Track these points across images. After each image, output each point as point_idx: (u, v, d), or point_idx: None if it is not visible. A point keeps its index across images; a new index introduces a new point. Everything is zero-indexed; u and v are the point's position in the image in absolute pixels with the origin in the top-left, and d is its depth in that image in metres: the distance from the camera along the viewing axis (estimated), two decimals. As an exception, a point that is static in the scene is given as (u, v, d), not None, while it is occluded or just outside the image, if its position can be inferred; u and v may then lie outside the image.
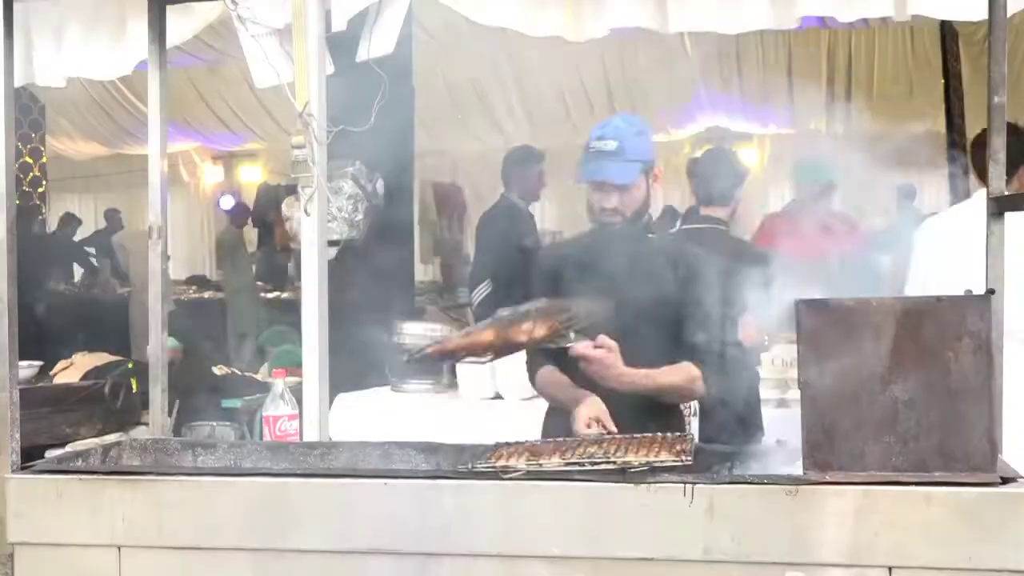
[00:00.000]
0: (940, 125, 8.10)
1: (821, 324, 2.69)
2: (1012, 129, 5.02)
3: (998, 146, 3.00)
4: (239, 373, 6.88)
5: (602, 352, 3.37)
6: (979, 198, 4.89)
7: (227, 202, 14.47)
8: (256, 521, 2.93)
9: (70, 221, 13.57)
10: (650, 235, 3.71)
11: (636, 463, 2.77)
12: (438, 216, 12.50)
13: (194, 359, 6.66)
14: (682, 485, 2.71)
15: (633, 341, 3.49)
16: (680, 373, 3.56)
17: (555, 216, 12.57)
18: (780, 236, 5.26)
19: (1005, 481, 2.62)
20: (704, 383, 3.59)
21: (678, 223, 6.32)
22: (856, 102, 10.09)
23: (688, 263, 3.65)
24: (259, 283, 12.47)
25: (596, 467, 2.81)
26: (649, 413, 3.51)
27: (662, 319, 3.57)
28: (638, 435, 3.15)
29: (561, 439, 3.21)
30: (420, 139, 10.32)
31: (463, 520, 2.82)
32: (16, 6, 3.42)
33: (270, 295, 12.23)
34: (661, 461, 2.78)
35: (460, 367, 6.25)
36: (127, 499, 3.00)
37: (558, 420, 3.59)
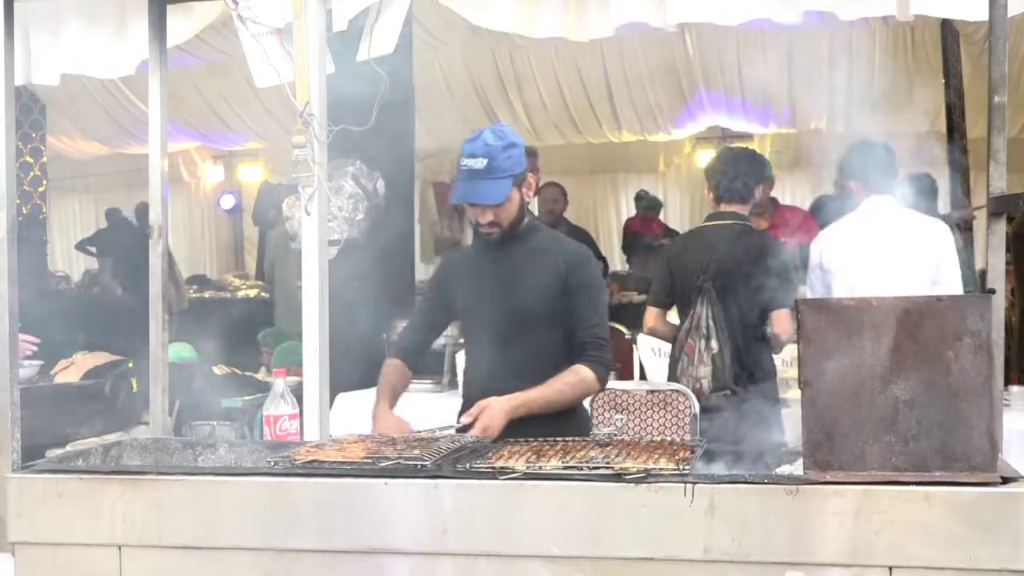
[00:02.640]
0: (940, 125, 8.10)
1: (822, 323, 2.69)
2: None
3: (998, 146, 3.00)
4: (239, 373, 6.88)
5: (483, 422, 3.46)
6: (870, 204, 5.01)
7: (227, 202, 14.46)
8: (258, 521, 2.93)
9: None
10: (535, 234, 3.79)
11: (634, 469, 2.78)
12: (438, 215, 12.51)
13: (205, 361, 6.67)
14: (682, 485, 2.71)
15: (519, 344, 3.64)
16: (569, 379, 3.62)
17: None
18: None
19: (1006, 481, 2.62)
20: (598, 380, 3.66)
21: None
22: (856, 101, 10.08)
23: (572, 262, 3.72)
24: (259, 282, 12.46)
25: (594, 472, 2.81)
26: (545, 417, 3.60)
27: (541, 320, 3.66)
28: (643, 440, 3.17)
29: (567, 439, 3.23)
30: (420, 138, 10.34)
31: (461, 520, 2.82)
32: (16, 5, 3.42)
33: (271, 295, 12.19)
34: (660, 469, 2.78)
35: (460, 369, 6.26)
36: (128, 499, 3.00)
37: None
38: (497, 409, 3.48)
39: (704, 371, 4.79)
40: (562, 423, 3.56)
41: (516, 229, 3.72)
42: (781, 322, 4.79)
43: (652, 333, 5.33)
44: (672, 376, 4.98)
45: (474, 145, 3.59)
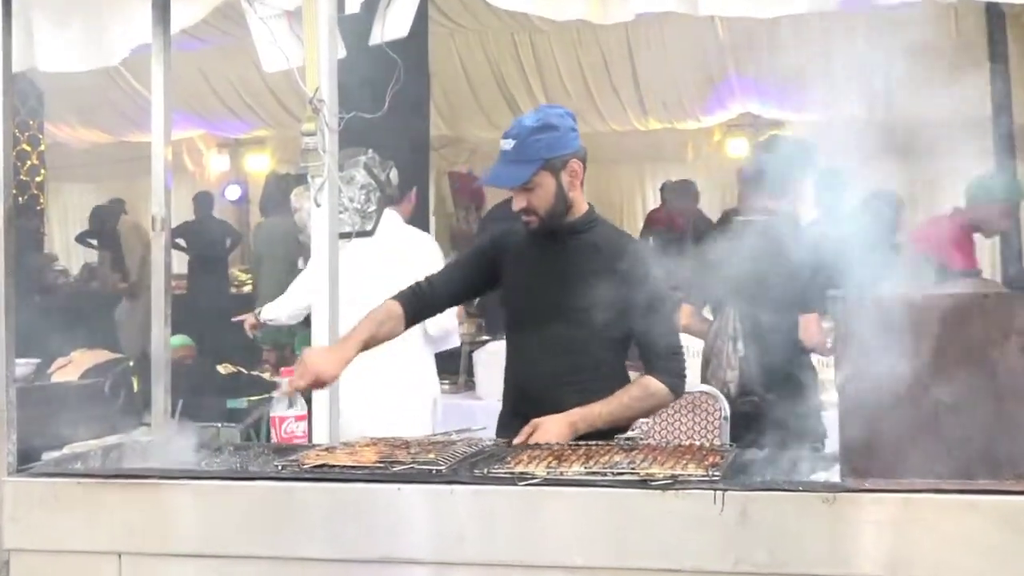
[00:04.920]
0: (986, 110, 8.06)
1: (859, 322, 2.68)
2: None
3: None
4: (245, 372, 6.90)
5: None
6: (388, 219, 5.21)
7: (233, 192, 14.48)
8: (264, 527, 2.93)
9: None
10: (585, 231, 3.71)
11: (660, 476, 2.77)
12: (454, 207, 12.51)
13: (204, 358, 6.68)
14: (712, 492, 2.70)
15: (571, 348, 3.60)
16: (636, 393, 3.59)
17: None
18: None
19: (1055, 489, 2.60)
20: (671, 392, 3.62)
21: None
22: (897, 87, 10.04)
23: (635, 262, 3.61)
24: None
25: (618, 478, 2.81)
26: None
27: (597, 323, 3.59)
28: (670, 444, 3.16)
29: (590, 443, 3.22)
30: (436, 126, 10.35)
31: (479, 527, 2.82)
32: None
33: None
34: (688, 475, 2.78)
35: (477, 366, 6.27)
36: (129, 504, 3.01)
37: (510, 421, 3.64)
38: (554, 427, 3.42)
39: (732, 375, 4.77)
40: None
41: (563, 220, 3.65)
42: (807, 328, 4.73)
43: (686, 331, 5.31)
44: (703, 378, 4.97)
45: (512, 126, 3.60)
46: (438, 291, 3.84)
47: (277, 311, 5.94)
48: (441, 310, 4.02)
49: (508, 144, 3.56)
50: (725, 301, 4.86)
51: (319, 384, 3.61)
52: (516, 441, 3.42)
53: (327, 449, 3.25)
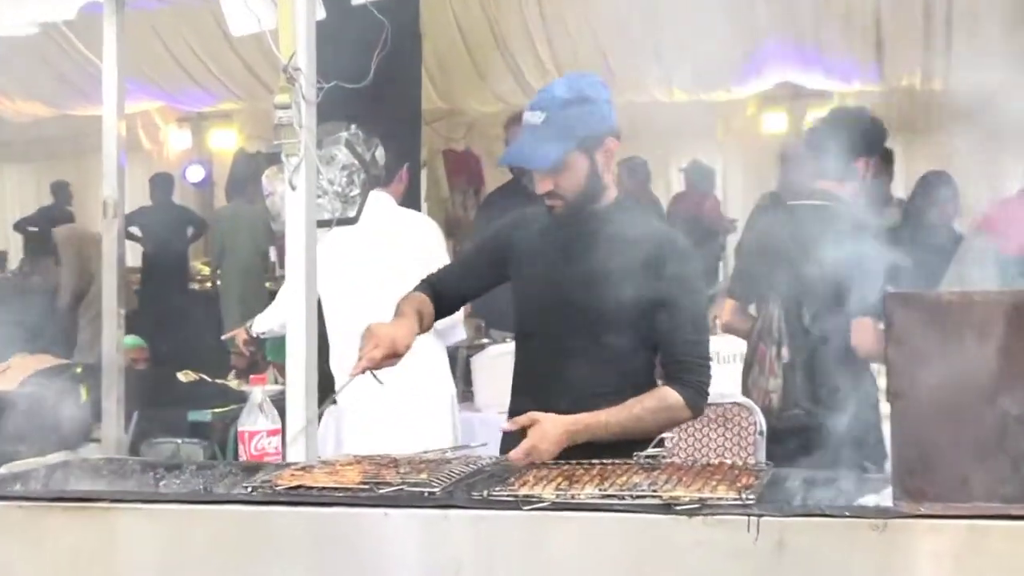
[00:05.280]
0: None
1: (916, 322, 2.68)
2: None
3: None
4: (208, 380, 6.91)
5: (531, 440, 3.35)
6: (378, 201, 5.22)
7: (196, 173, 14.49)
8: (231, 559, 2.94)
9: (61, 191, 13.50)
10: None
11: (686, 499, 2.77)
12: (450, 191, 12.52)
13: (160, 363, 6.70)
14: (745, 518, 2.70)
15: (589, 350, 3.59)
16: (650, 404, 3.56)
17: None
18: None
19: None
20: (689, 407, 3.58)
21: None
22: (957, 54, 10.02)
23: (667, 255, 3.61)
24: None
25: (638, 501, 2.81)
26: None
27: (619, 324, 3.59)
28: (698, 463, 3.16)
29: (605, 462, 3.22)
30: (428, 98, 10.33)
31: (478, 558, 2.82)
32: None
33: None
34: (718, 499, 2.78)
35: (476, 373, 6.28)
36: (75, 530, 3.02)
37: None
38: (552, 429, 3.38)
39: (774, 383, 4.76)
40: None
41: (591, 205, 3.64)
42: (857, 333, 4.71)
43: (728, 330, 5.32)
44: (744, 386, 4.96)
45: (542, 94, 3.58)
46: (450, 291, 3.91)
47: (270, 322, 5.95)
48: (461, 302, 4.11)
49: (536, 117, 3.53)
50: (769, 298, 4.85)
51: (395, 354, 3.57)
52: (505, 427, 3.45)
53: (303, 468, 3.25)
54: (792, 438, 4.55)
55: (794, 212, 5.14)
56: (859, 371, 4.82)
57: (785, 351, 4.75)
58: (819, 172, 4.99)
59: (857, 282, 4.58)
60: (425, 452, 3.50)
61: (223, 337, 6.44)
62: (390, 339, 3.53)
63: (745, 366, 4.97)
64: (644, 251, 3.59)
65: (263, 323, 6.00)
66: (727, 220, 12.31)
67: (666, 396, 3.56)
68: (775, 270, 4.88)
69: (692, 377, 3.58)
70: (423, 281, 3.91)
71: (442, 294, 3.88)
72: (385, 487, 2.98)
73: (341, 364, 5.28)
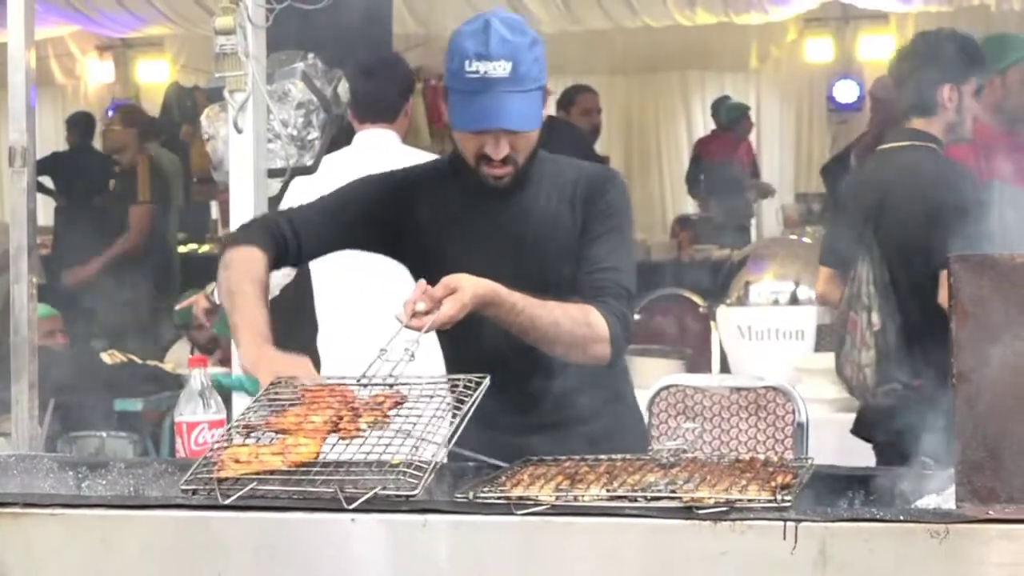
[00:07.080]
0: None
1: (985, 290, 2.70)
2: None
3: None
4: (138, 361, 6.93)
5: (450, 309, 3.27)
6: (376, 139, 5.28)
7: (121, 112, 14.47)
8: (166, 571, 2.96)
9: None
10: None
11: (711, 501, 2.79)
12: (431, 136, 12.50)
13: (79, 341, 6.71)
14: (781, 523, 2.72)
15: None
16: (574, 312, 3.53)
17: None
18: None
19: None
20: (609, 340, 3.55)
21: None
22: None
23: (590, 185, 3.71)
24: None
25: (653, 504, 2.83)
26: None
27: (558, 279, 3.66)
28: (724, 458, 3.18)
29: (613, 457, 3.23)
30: (400, 20, 10.31)
31: (462, 571, 2.85)
32: None
33: (184, 248, 12.25)
34: (749, 500, 2.80)
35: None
36: (-18, 541, 3.04)
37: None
38: (470, 289, 3.30)
39: (867, 356, 4.78)
40: (603, 432, 3.57)
41: (529, 168, 3.69)
42: (945, 288, 4.74)
43: (824, 301, 5.39)
44: (837, 363, 4.97)
45: (487, 41, 3.50)
46: (304, 248, 3.77)
47: None
48: (307, 258, 3.98)
49: (500, 68, 3.50)
50: (857, 259, 4.87)
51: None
52: (425, 303, 3.26)
53: (247, 429, 3.15)
54: (889, 420, 4.54)
55: (876, 156, 5.17)
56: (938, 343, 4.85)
57: (876, 318, 4.76)
58: (916, 109, 5.00)
59: (952, 232, 4.59)
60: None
61: (177, 307, 6.37)
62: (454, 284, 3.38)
63: (837, 340, 4.99)
64: (567, 184, 3.72)
65: None
66: (764, 185, 12.35)
67: (589, 312, 3.53)
68: (866, 229, 4.91)
69: (615, 304, 3.58)
70: (267, 230, 3.73)
71: (297, 252, 3.76)
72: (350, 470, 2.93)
73: (331, 341, 5.29)
